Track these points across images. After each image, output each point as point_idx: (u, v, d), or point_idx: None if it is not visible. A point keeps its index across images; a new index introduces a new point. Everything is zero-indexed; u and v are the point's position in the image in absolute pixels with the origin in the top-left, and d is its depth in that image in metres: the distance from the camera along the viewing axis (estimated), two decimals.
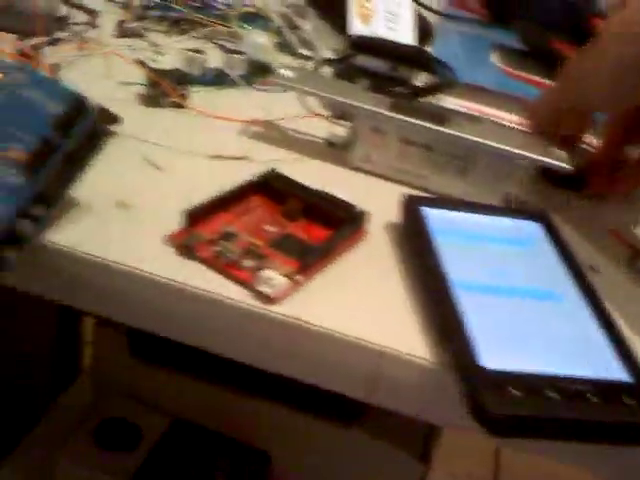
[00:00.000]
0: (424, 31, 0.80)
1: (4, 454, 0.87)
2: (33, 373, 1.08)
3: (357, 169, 0.55)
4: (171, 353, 0.83)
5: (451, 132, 0.51)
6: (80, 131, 0.39)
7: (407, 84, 0.64)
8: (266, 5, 0.80)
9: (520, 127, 0.57)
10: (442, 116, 0.53)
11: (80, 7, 0.68)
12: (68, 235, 0.41)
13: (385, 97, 0.54)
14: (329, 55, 0.74)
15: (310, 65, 0.70)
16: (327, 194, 0.47)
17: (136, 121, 0.52)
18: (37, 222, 0.38)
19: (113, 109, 0.49)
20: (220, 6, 0.80)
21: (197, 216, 0.43)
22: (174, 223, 0.43)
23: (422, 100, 0.61)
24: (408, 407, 0.40)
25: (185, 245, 0.41)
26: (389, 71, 0.65)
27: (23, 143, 0.37)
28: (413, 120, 0.52)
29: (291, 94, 0.64)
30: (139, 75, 0.60)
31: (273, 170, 0.49)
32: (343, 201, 0.46)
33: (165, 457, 0.84)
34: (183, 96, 0.58)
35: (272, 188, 0.47)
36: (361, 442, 0.80)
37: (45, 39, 0.58)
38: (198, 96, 0.60)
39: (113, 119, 0.51)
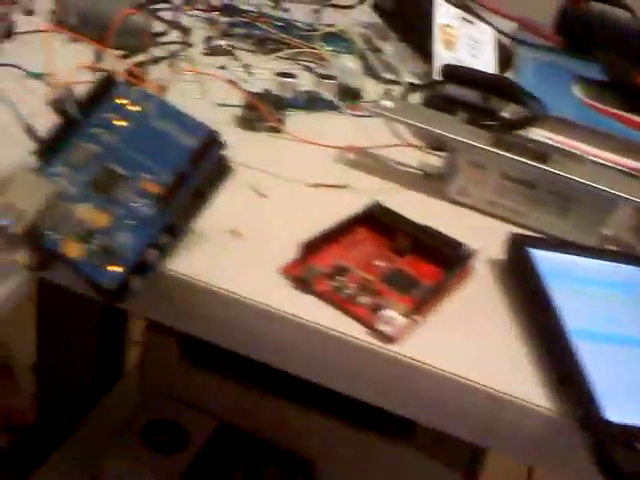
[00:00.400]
0: (504, 58, 0.80)
1: (49, 452, 0.88)
2: (77, 371, 1.09)
3: (453, 201, 0.55)
4: (223, 358, 0.83)
5: (555, 172, 0.51)
6: (210, 165, 0.39)
7: (497, 115, 0.64)
8: (347, 26, 0.81)
9: (620, 167, 0.56)
10: (543, 153, 0.53)
11: (172, 23, 0.68)
12: (184, 263, 0.41)
13: (484, 131, 0.54)
14: (412, 79, 0.74)
15: (397, 90, 0.70)
16: (434, 230, 0.47)
17: (236, 145, 0.52)
18: (162, 251, 0.38)
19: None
20: (301, 25, 0.80)
21: (311, 248, 0.43)
22: (285, 253, 0.43)
23: (517, 133, 0.61)
24: (524, 453, 0.40)
25: (302, 279, 0.41)
26: (480, 102, 0.64)
27: (157, 175, 0.38)
28: (516, 157, 0.52)
29: (379, 119, 0.64)
30: (234, 97, 0.60)
31: (378, 203, 0.49)
32: (451, 239, 0.46)
33: (211, 461, 0.84)
34: (280, 121, 0.58)
35: (378, 221, 0.47)
36: (408, 457, 0.80)
37: (146, 57, 0.59)
38: (290, 119, 0.60)
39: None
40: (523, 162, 0.52)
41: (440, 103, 0.64)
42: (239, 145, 0.53)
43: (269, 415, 0.85)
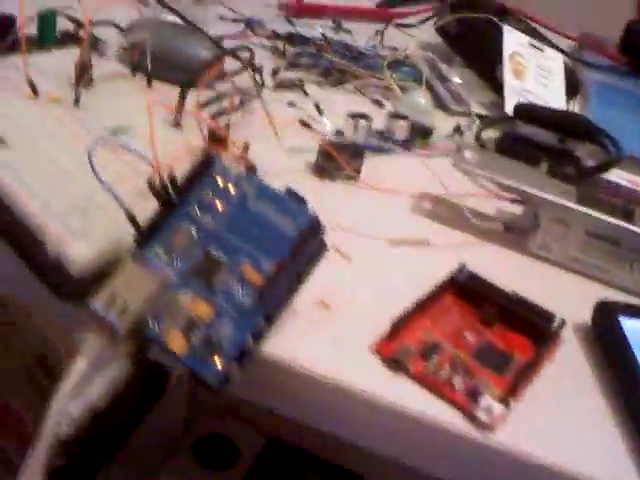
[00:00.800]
0: (571, 84, 0.78)
1: (98, 469, 0.88)
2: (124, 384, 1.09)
3: (535, 255, 0.54)
4: None
5: None
6: (310, 250, 0.38)
7: (575, 158, 0.62)
8: (412, 51, 0.79)
9: None
10: (629, 209, 0.52)
11: (234, 54, 0.67)
12: (272, 343, 0.40)
13: (567, 185, 0.53)
14: (480, 110, 0.73)
15: (466, 124, 0.69)
16: (523, 299, 0.46)
17: (313, 198, 0.52)
18: (259, 339, 0.38)
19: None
20: (365, 50, 0.79)
21: (401, 324, 0.42)
22: (374, 325, 0.43)
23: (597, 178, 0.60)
24: None
25: (396, 360, 0.41)
26: (556, 143, 0.63)
27: (257, 262, 0.37)
28: (602, 216, 0.51)
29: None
30: (307, 139, 0.59)
31: (464, 268, 0.48)
32: (542, 309, 0.46)
33: (262, 476, 0.84)
34: (357, 170, 0.57)
35: (465, 288, 0.47)
36: None
37: (209, 94, 0.58)
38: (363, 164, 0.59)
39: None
40: (609, 222, 0.50)
41: (515, 145, 0.63)
42: (316, 197, 0.53)
43: (317, 429, 0.85)
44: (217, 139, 0.48)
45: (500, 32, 0.77)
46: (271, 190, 0.39)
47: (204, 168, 0.39)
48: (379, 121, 0.65)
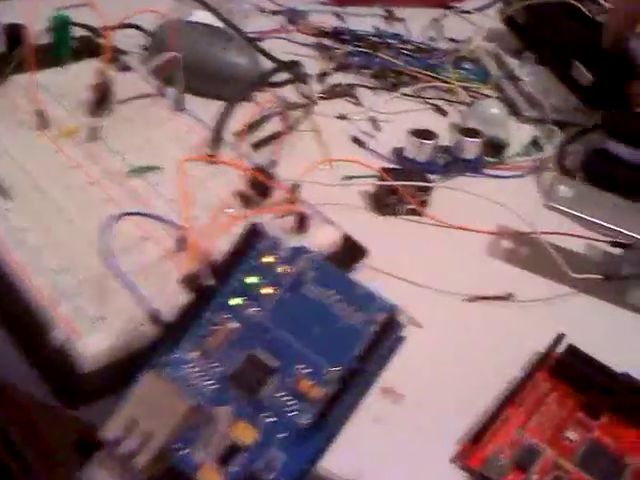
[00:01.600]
0: None
1: None
2: None
3: (634, 306, 0.45)
4: None
5: None
6: (386, 351, 0.30)
7: None
8: (477, 45, 0.70)
9: None
10: None
11: (281, 62, 0.59)
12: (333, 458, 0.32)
13: None
14: (558, 116, 0.63)
15: (544, 135, 0.59)
16: (635, 380, 0.37)
17: (372, 239, 0.44)
18: (316, 462, 0.30)
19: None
20: (422, 45, 0.70)
21: (490, 423, 0.34)
22: (456, 420, 0.35)
23: None
24: None
25: (481, 474, 0.32)
26: None
27: (318, 370, 0.29)
28: None
29: (530, 179, 0.54)
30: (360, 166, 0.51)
31: (562, 339, 0.39)
32: None
33: None
34: (424, 203, 0.48)
35: (564, 367, 0.38)
36: None
37: (255, 114, 0.50)
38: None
39: (360, 254, 0.43)
40: None
41: (605, 168, 0.54)
42: (375, 239, 0.44)
43: None
44: (261, 185, 0.40)
45: (579, 19, 0.67)
46: (335, 272, 0.31)
47: (248, 242, 0.31)
48: (443, 133, 0.56)
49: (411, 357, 0.37)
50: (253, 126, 0.48)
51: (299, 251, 0.31)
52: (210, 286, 0.30)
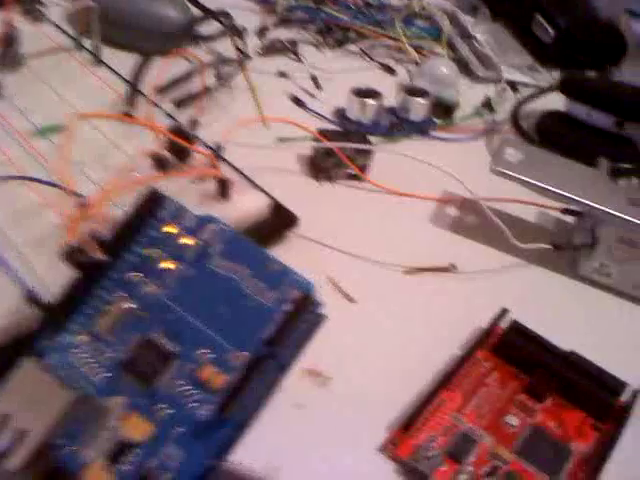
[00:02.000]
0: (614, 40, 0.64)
1: None
2: None
3: (587, 278, 0.42)
4: None
5: None
6: (301, 331, 0.27)
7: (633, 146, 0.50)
8: (431, 3, 0.66)
9: None
10: None
11: (215, 17, 0.54)
12: (246, 448, 0.29)
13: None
14: (514, 76, 0.60)
15: (495, 95, 0.56)
16: (584, 361, 0.35)
17: (306, 207, 0.40)
18: (223, 456, 0.26)
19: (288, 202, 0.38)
20: (373, 1, 0.65)
21: (422, 409, 0.31)
22: (386, 405, 0.32)
23: None
24: None
25: (411, 466, 0.29)
26: (611, 126, 0.51)
27: (222, 356, 0.26)
28: None
29: (482, 143, 0.51)
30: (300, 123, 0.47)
31: (505, 313, 0.36)
32: (609, 375, 0.34)
33: None
34: (364, 168, 0.45)
35: (508, 345, 0.35)
36: None
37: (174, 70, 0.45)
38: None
39: (290, 222, 0.39)
40: None
41: (562, 129, 0.51)
42: (310, 206, 0.41)
43: None
44: (178, 147, 0.36)
45: None
46: (247, 244, 0.27)
47: (147, 210, 0.27)
48: (390, 93, 0.52)
49: (340, 336, 0.34)
50: (177, 82, 0.44)
51: (206, 220, 0.27)
52: (99, 261, 0.26)
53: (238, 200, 0.37)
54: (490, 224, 0.41)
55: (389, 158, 0.46)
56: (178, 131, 0.36)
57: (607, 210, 0.39)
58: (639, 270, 0.41)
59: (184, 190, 0.35)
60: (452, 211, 0.45)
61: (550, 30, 0.59)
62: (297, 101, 0.50)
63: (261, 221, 0.37)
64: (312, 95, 0.52)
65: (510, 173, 0.40)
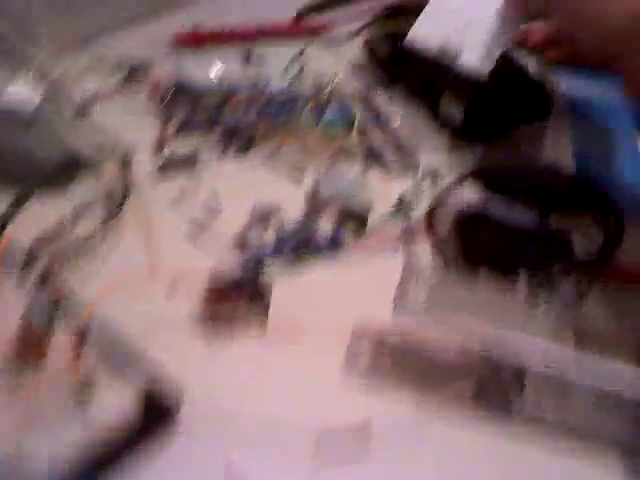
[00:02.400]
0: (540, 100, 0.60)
1: None
2: None
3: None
4: None
5: None
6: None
7: (569, 250, 0.45)
8: (342, 86, 0.62)
9: None
10: None
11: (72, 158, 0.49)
12: None
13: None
14: (433, 161, 0.56)
15: (412, 187, 0.52)
16: None
17: (195, 368, 0.36)
18: None
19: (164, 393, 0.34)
20: (277, 91, 0.62)
21: None
22: None
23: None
24: None
25: None
26: (532, 222, 0.47)
27: None
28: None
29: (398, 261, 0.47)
30: (195, 261, 0.42)
31: None
32: None
33: None
34: (263, 324, 0.40)
35: None
36: None
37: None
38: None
39: (165, 416, 0.35)
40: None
41: (479, 229, 0.47)
42: (198, 369, 0.37)
43: None
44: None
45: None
46: None
47: None
48: (297, 206, 0.48)
49: None
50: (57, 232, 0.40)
51: None
52: None
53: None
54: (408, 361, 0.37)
55: (293, 290, 0.43)
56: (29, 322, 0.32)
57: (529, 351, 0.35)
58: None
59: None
60: (364, 349, 0.41)
61: (456, 111, 0.55)
62: (192, 236, 0.46)
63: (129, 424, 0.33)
64: (207, 226, 0.48)
65: (413, 317, 0.36)
